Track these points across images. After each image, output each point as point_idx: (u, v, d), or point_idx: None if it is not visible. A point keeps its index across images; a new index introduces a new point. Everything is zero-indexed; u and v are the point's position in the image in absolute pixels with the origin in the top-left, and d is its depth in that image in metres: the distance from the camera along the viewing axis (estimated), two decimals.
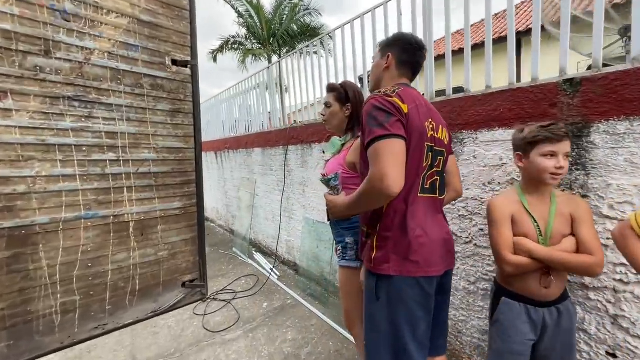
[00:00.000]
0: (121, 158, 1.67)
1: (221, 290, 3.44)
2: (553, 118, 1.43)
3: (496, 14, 7.48)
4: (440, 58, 2.22)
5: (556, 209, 1.17)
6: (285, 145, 3.45)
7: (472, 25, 1.87)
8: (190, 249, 1.98)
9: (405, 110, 1.04)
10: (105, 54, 1.56)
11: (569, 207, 1.17)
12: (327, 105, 1.63)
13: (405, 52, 1.24)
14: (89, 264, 1.56)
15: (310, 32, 15.35)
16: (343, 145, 1.60)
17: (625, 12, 3.33)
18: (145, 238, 1.78)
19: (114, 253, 1.65)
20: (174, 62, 1.86)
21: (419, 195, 1.10)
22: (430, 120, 1.13)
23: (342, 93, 1.60)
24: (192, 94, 1.95)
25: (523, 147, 1.19)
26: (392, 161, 0.96)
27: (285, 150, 3.49)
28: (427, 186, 1.13)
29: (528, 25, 5.20)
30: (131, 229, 1.73)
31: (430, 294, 1.09)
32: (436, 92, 2.14)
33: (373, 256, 1.12)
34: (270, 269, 3.78)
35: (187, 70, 1.92)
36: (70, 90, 1.46)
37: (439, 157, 1.18)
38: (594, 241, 1.12)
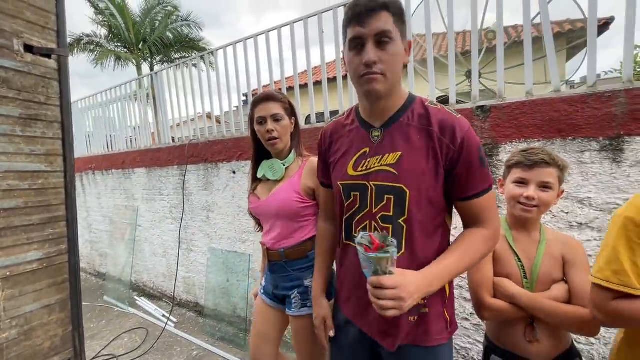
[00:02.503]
0: None
1: (94, 357, 2.57)
2: None
3: None
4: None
5: (545, 248, 0.99)
6: (183, 165, 2.93)
7: None
8: (57, 317, 1.37)
9: None
10: None
11: (561, 248, 0.99)
12: (277, 118, 1.25)
13: None
14: None
15: (188, 44, 14.25)
16: (287, 168, 1.32)
17: (469, 58, 4.31)
18: None
19: None
20: (29, 49, 1.29)
21: None
22: None
23: (287, 104, 1.30)
24: (59, 96, 1.39)
25: (504, 173, 1.10)
26: None
27: (182, 170, 2.96)
28: None
29: None
30: None
31: None
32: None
33: (448, 317, 0.88)
34: (164, 316, 3.08)
35: (52, 62, 1.37)
36: None
37: None
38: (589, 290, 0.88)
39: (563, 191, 1.02)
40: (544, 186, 0.96)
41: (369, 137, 0.87)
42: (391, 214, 0.82)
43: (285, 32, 2.34)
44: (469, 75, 4.43)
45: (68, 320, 1.40)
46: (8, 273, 1.21)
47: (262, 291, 1.43)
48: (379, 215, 0.83)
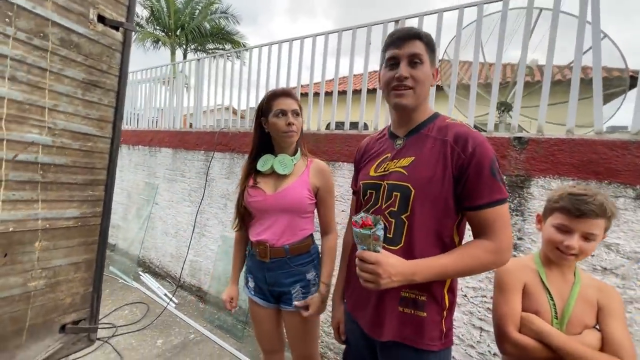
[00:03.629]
0: None
1: None
2: (502, 169, 1.62)
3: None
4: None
5: (580, 290, 0.93)
6: (210, 151, 3.00)
7: None
8: (81, 276, 1.42)
9: None
10: None
11: (596, 293, 0.94)
12: (296, 113, 1.32)
13: None
14: None
15: (223, 36, 14.62)
16: (294, 165, 1.37)
17: (502, 90, 4.32)
18: (10, 260, 1.18)
19: None
20: (101, 19, 1.37)
21: None
22: None
23: (299, 103, 1.37)
24: (119, 67, 1.46)
25: (545, 209, 1.01)
26: None
27: (208, 156, 3.03)
28: None
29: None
30: None
31: None
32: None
33: (444, 328, 0.91)
34: (165, 295, 3.12)
35: (118, 35, 1.45)
36: None
37: None
38: (625, 341, 0.85)
39: (605, 236, 0.95)
40: (588, 237, 0.90)
41: (393, 145, 0.98)
42: (396, 209, 0.90)
43: (330, 38, 2.41)
44: (499, 106, 4.45)
45: (90, 281, 1.45)
46: (47, 225, 1.27)
47: (253, 292, 1.43)
48: (387, 210, 0.92)
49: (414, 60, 0.88)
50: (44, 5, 1.18)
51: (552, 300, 0.94)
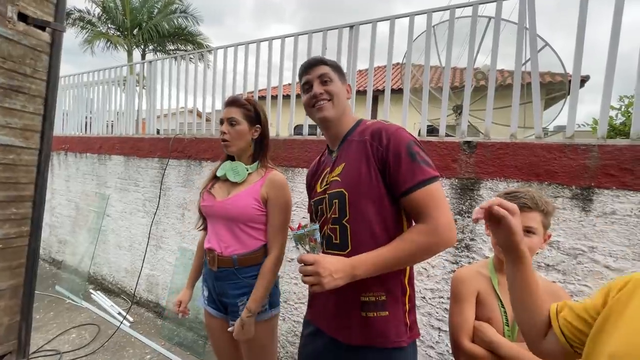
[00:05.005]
0: None
1: (35, 352, 2.37)
2: (453, 172, 1.67)
3: (360, 71, 9.07)
4: None
5: None
6: (164, 158, 2.84)
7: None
8: (5, 304, 1.26)
9: None
10: None
11: (547, 298, 0.88)
12: (232, 122, 1.29)
13: None
14: None
15: (185, 37, 14.09)
16: (249, 174, 1.34)
17: (458, 93, 4.52)
18: None
19: None
20: (22, 18, 1.23)
21: None
22: None
23: (251, 111, 1.33)
24: (47, 71, 1.32)
25: None
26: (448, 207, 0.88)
27: (163, 163, 2.87)
28: None
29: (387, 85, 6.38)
30: None
31: None
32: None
33: (408, 321, 0.92)
34: (119, 314, 2.91)
35: (45, 35, 1.31)
36: None
37: None
38: None
39: (550, 235, 0.99)
40: (527, 231, 0.91)
41: (331, 159, 1.04)
42: (337, 215, 0.94)
43: (287, 42, 2.38)
44: (455, 109, 4.66)
45: (17, 309, 1.29)
46: None
47: (207, 302, 1.38)
48: (331, 219, 0.96)
49: (324, 80, 1.00)
50: None
51: (503, 307, 0.95)
